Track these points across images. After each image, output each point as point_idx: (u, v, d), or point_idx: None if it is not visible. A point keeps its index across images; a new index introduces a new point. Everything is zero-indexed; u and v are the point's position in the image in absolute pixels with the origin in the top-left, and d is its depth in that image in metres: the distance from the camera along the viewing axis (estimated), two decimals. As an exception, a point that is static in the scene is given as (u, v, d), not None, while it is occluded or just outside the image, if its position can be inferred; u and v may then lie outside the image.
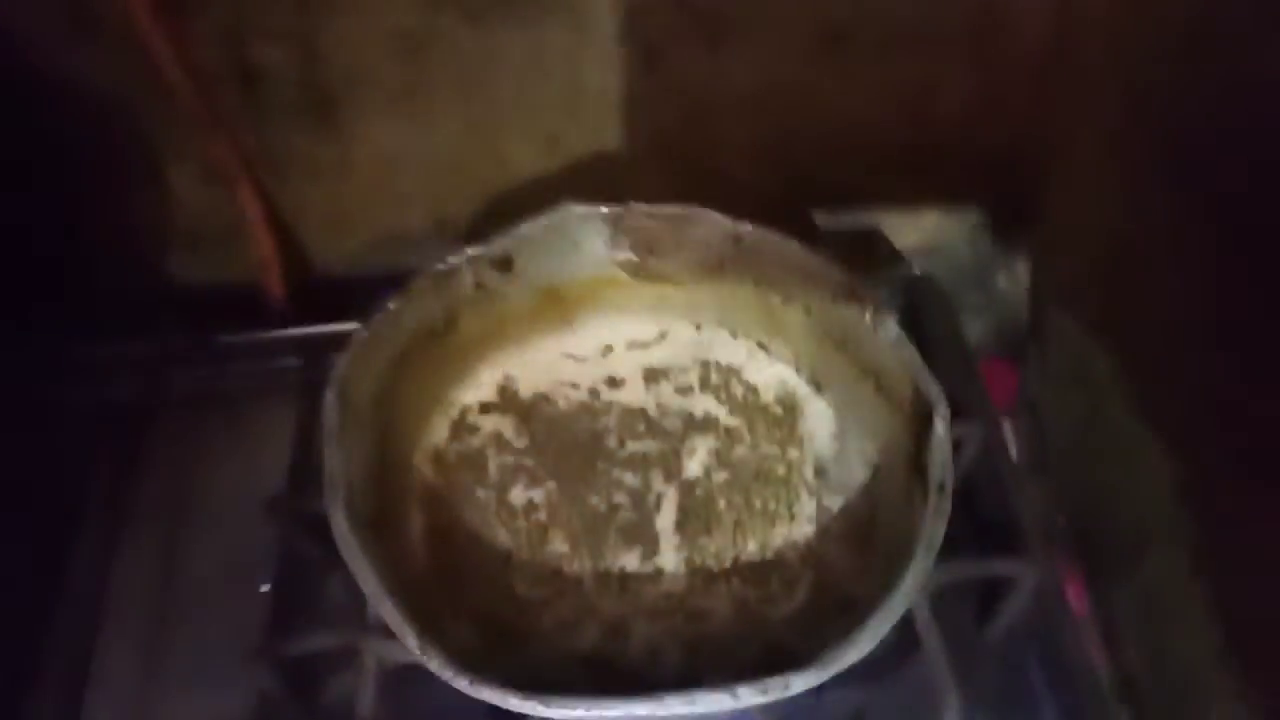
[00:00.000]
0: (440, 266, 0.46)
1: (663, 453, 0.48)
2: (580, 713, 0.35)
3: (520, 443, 0.49)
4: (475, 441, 0.49)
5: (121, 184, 0.54)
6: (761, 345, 0.51)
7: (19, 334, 0.50)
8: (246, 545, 0.47)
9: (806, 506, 0.46)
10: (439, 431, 0.49)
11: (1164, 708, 0.46)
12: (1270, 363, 0.36)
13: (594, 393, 0.50)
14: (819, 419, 0.49)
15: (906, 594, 0.36)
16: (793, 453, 0.48)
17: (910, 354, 0.42)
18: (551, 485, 0.48)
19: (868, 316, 0.44)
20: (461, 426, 0.49)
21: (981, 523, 0.47)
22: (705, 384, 0.50)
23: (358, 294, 0.46)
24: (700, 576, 0.45)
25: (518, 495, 0.47)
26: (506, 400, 0.50)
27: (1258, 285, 0.36)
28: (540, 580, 0.45)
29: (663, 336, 0.52)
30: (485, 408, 0.50)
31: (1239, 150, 0.37)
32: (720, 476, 0.48)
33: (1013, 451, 0.53)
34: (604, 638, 0.43)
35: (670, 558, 0.45)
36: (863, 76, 0.53)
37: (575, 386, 0.51)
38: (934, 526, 0.38)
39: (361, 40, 0.50)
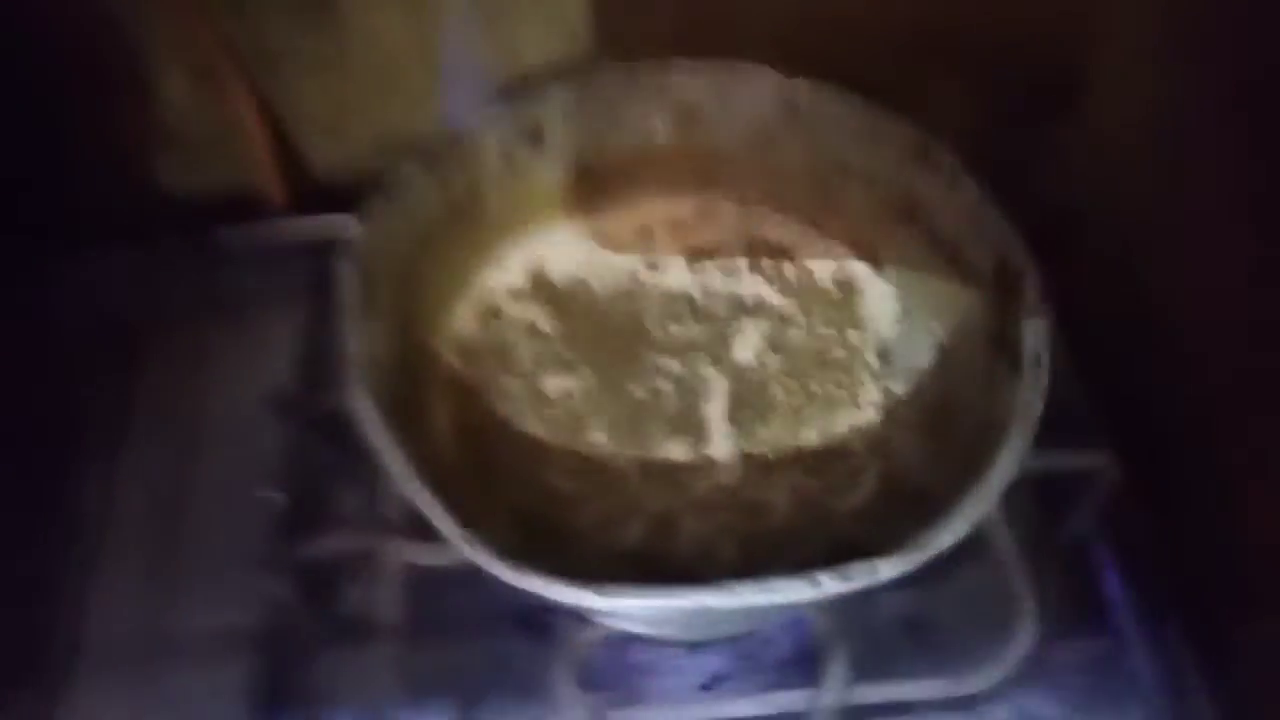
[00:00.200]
0: (463, 130, 0.42)
1: (710, 338, 0.44)
2: (637, 602, 0.32)
3: (553, 330, 0.45)
4: (504, 329, 0.45)
5: (103, 84, 0.50)
6: (814, 222, 0.47)
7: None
8: (255, 454, 0.45)
9: (870, 392, 0.43)
10: (465, 319, 0.45)
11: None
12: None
13: (632, 276, 0.46)
14: (881, 300, 0.45)
15: (1004, 475, 0.33)
16: (853, 336, 0.44)
17: (995, 217, 0.38)
18: (588, 373, 0.44)
19: (941, 179, 0.40)
20: (489, 314, 0.45)
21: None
22: (754, 266, 0.46)
23: (362, 199, 0.42)
24: (755, 467, 0.41)
25: (551, 384, 0.43)
26: (537, 286, 0.46)
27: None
28: (578, 473, 0.41)
29: (706, 215, 0.47)
30: (515, 294, 0.46)
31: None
32: (774, 361, 0.44)
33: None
34: (650, 534, 0.40)
35: (721, 447, 0.42)
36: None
37: (612, 270, 0.46)
38: (1031, 404, 0.34)
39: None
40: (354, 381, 0.35)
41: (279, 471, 0.44)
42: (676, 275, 0.46)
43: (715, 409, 0.43)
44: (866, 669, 0.38)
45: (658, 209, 0.47)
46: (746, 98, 0.43)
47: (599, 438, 0.42)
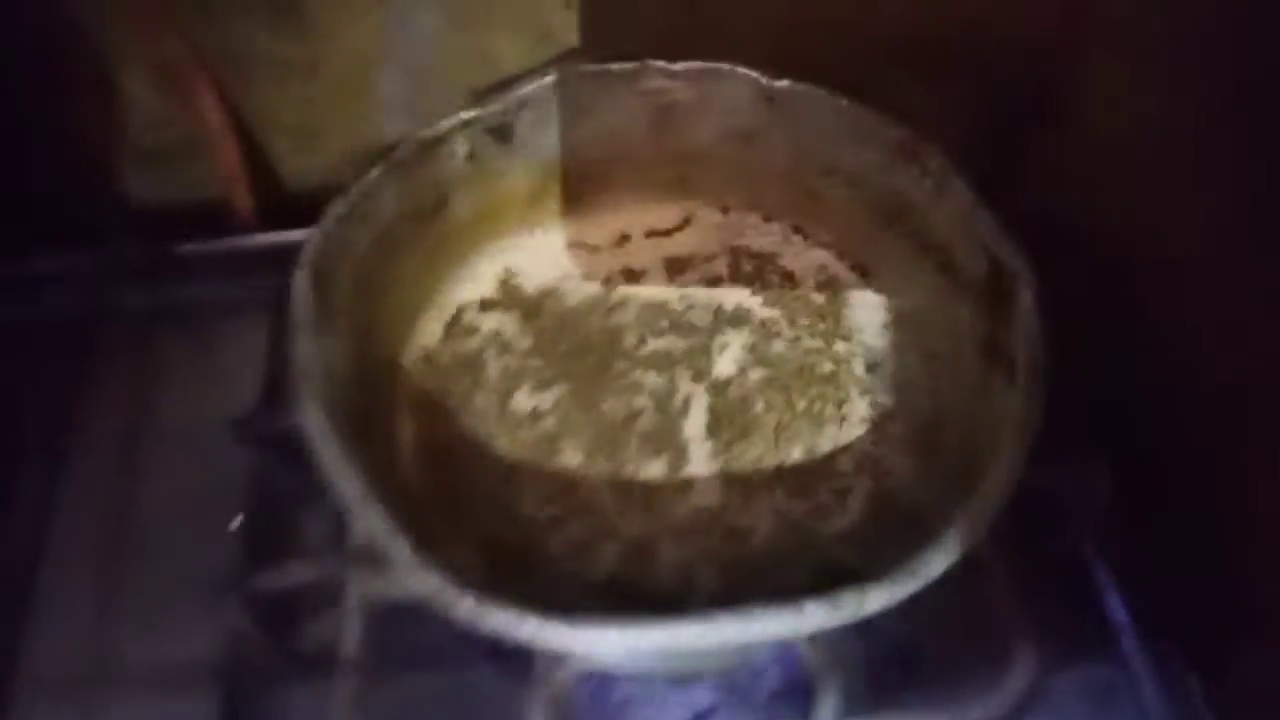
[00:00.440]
0: (427, 132, 0.40)
1: (690, 350, 0.42)
2: (606, 635, 0.29)
3: (524, 343, 0.43)
4: (473, 342, 0.42)
5: (66, 88, 0.48)
6: (798, 228, 0.45)
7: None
8: (215, 476, 0.42)
9: (858, 406, 0.40)
10: (431, 330, 0.43)
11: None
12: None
13: (609, 286, 0.44)
14: (868, 308, 0.43)
15: (999, 496, 0.30)
16: (839, 346, 0.42)
17: (985, 219, 0.36)
18: (561, 389, 0.41)
19: (930, 181, 0.38)
20: (457, 325, 0.43)
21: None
22: (736, 273, 0.44)
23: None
24: (737, 488, 0.39)
25: (522, 401, 0.41)
26: (508, 295, 0.44)
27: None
28: (550, 497, 0.39)
29: (686, 222, 0.45)
30: (484, 304, 0.43)
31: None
32: (757, 375, 0.41)
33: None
34: (625, 561, 0.37)
35: (701, 467, 0.39)
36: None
37: (587, 279, 0.44)
38: (1027, 413, 0.32)
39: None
40: (306, 397, 0.33)
41: (239, 495, 0.42)
42: (655, 284, 0.44)
43: (695, 426, 0.40)
44: (860, 701, 0.35)
45: (636, 215, 0.45)
46: (725, 99, 0.41)
47: (572, 458, 0.40)
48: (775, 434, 0.40)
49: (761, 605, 0.29)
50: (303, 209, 0.48)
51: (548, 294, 0.44)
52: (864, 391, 0.41)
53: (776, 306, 0.43)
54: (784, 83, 0.40)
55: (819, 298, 0.43)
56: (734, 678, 0.39)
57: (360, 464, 0.33)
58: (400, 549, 0.30)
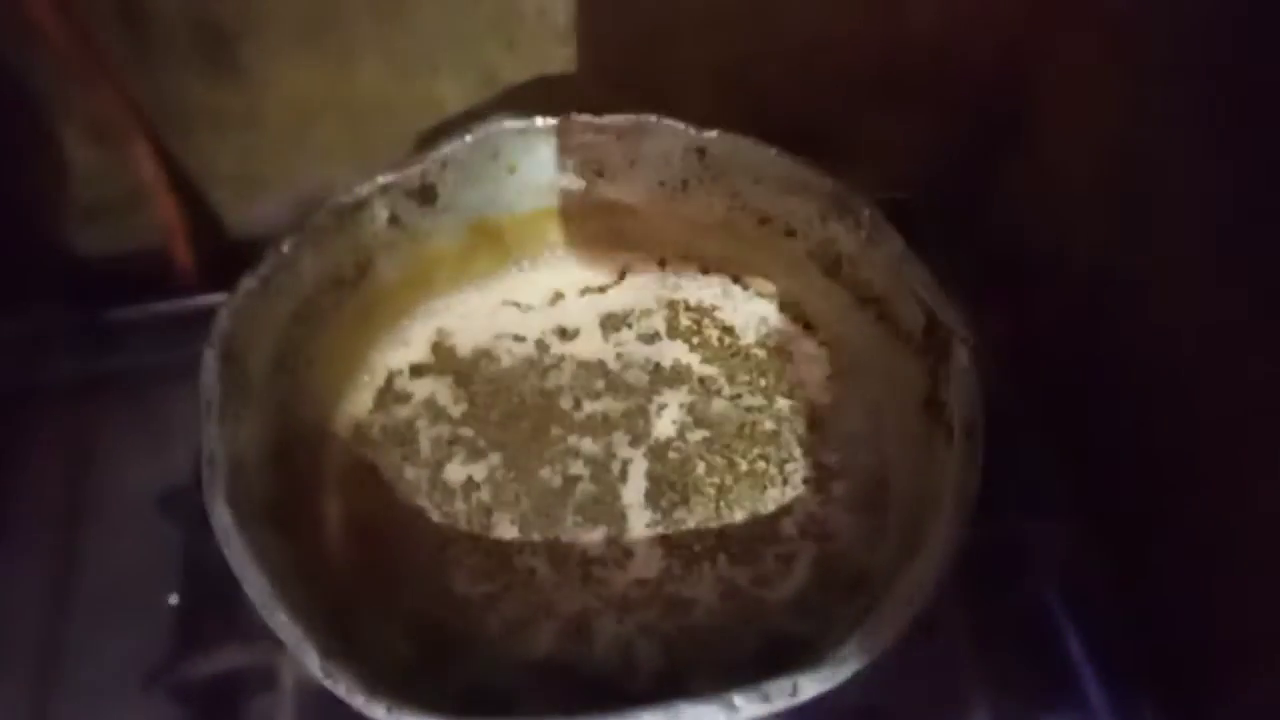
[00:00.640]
0: (344, 198, 0.38)
1: (627, 412, 0.41)
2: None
3: (457, 409, 0.41)
4: (404, 411, 0.41)
5: None
6: (737, 279, 0.43)
7: None
8: (152, 552, 0.41)
9: (802, 466, 0.39)
10: (360, 400, 0.41)
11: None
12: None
13: (542, 345, 0.43)
14: (810, 362, 0.41)
15: (937, 562, 0.29)
16: (781, 403, 0.40)
17: (919, 273, 0.35)
18: (495, 458, 0.40)
19: (864, 233, 0.37)
20: (387, 393, 0.41)
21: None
22: (673, 329, 0.43)
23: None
24: (678, 558, 0.37)
25: (455, 472, 0.39)
26: (441, 359, 0.42)
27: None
28: (484, 573, 0.37)
29: (621, 276, 0.44)
30: (416, 370, 0.42)
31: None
32: (697, 436, 0.40)
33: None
34: (563, 639, 0.36)
35: (641, 537, 0.38)
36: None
37: (520, 339, 0.43)
38: (964, 477, 0.30)
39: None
40: (208, 487, 0.31)
41: (175, 575, 0.40)
42: (590, 343, 0.43)
43: (634, 493, 0.39)
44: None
45: (569, 271, 0.44)
46: (655, 151, 0.40)
47: (507, 531, 0.38)
48: (717, 498, 0.38)
49: (688, 700, 0.27)
50: (245, 262, 0.47)
51: (481, 355, 0.42)
52: (807, 450, 0.39)
53: (716, 363, 0.42)
54: (713, 133, 0.39)
55: (760, 352, 0.42)
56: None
57: (275, 558, 0.31)
58: (309, 656, 0.28)
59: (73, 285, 0.49)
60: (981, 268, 0.52)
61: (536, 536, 0.38)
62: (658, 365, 0.42)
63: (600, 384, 0.41)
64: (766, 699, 0.27)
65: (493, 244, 0.43)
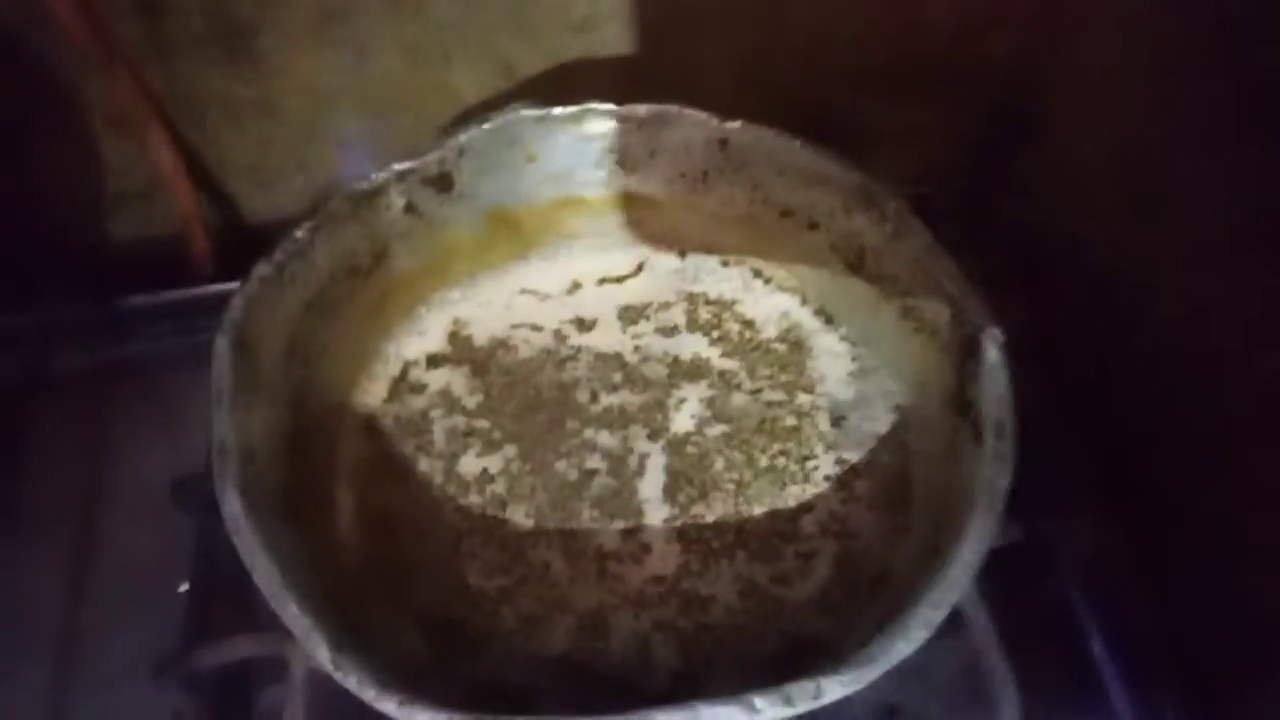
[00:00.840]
0: (360, 186, 0.38)
1: (645, 405, 0.40)
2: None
3: (472, 401, 0.40)
4: (418, 401, 0.40)
5: (14, 134, 0.46)
6: (758, 273, 0.42)
7: None
8: (164, 540, 0.40)
9: (823, 463, 0.38)
10: (374, 391, 0.40)
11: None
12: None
13: (560, 336, 0.42)
14: (832, 357, 0.40)
15: (967, 564, 0.28)
16: (802, 398, 0.40)
17: (947, 266, 0.34)
18: (511, 450, 0.39)
19: (889, 226, 0.36)
20: (402, 384, 0.41)
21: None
22: (693, 322, 0.42)
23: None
24: (696, 554, 0.37)
25: (470, 464, 0.39)
26: (457, 349, 0.42)
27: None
28: (498, 567, 0.37)
29: (639, 268, 0.43)
30: (431, 360, 0.41)
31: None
32: (716, 431, 0.39)
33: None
34: (579, 635, 0.35)
35: (658, 532, 0.37)
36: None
37: (537, 329, 0.42)
38: (995, 477, 0.30)
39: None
40: (219, 477, 0.31)
41: (188, 563, 0.39)
42: (609, 335, 0.42)
43: (652, 487, 0.38)
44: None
45: (587, 261, 0.43)
46: (676, 142, 0.39)
47: (522, 524, 0.37)
48: (736, 494, 0.38)
49: (708, 701, 0.26)
50: (261, 251, 0.47)
51: (498, 345, 0.42)
52: (829, 446, 0.38)
53: (736, 357, 0.41)
54: (736, 124, 0.38)
55: (780, 346, 0.41)
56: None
57: (286, 549, 0.31)
58: (318, 649, 0.28)
59: (88, 274, 0.49)
60: (997, 262, 0.51)
61: (552, 530, 0.37)
62: (676, 358, 0.41)
63: (618, 376, 0.41)
64: (789, 701, 0.26)
65: (510, 233, 0.42)
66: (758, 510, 0.37)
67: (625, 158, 0.41)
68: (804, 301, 0.42)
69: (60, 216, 0.49)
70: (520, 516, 0.38)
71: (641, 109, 0.39)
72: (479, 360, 0.41)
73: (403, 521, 0.38)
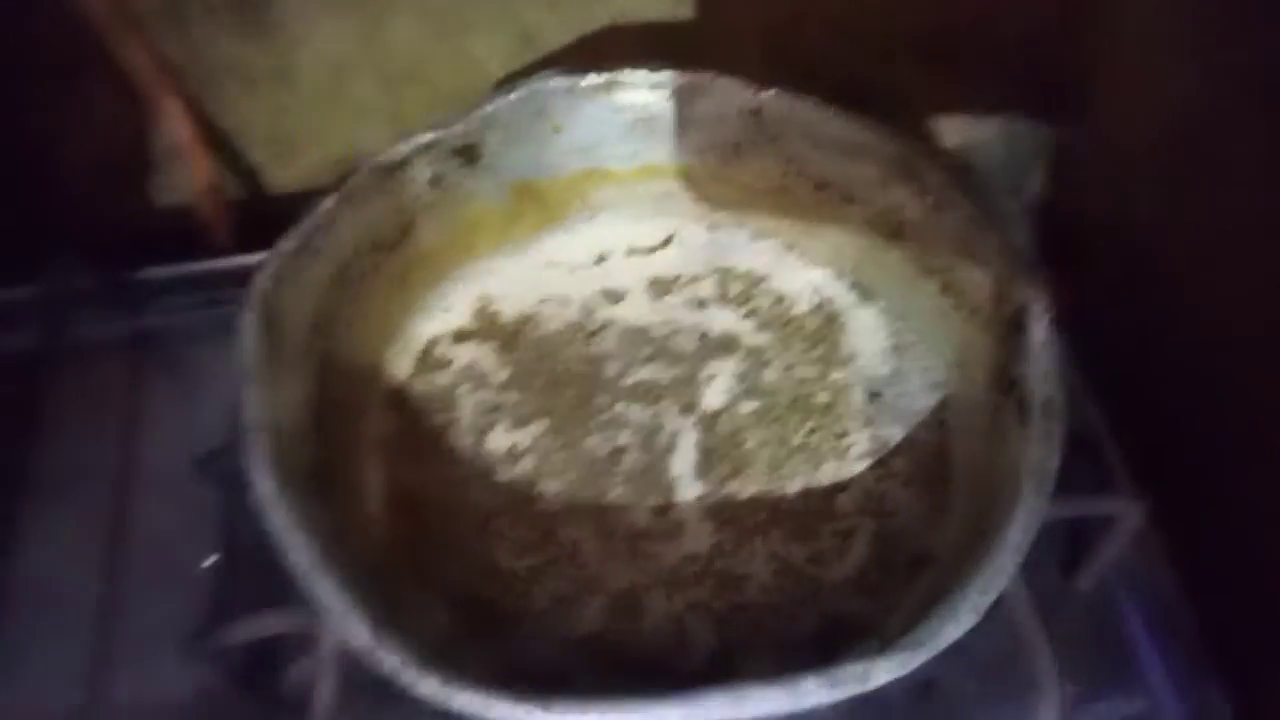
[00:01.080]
0: (385, 157, 0.37)
1: (675, 380, 0.39)
2: (594, 717, 0.27)
3: (500, 376, 0.40)
4: (444, 377, 0.40)
5: (26, 102, 0.45)
6: (791, 246, 0.42)
7: None
8: (188, 514, 0.40)
9: (859, 440, 0.37)
10: (399, 366, 0.40)
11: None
12: None
13: (587, 309, 0.41)
14: (867, 332, 0.40)
15: (1016, 547, 0.28)
16: (836, 375, 0.39)
17: (991, 240, 0.33)
18: (539, 426, 0.39)
19: (930, 199, 0.35)
20: (428, 359, 0.40)
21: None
22: (724, 295, 0.41)
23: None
24: (730, 532, 0.36)
25: (498, 440, 0.38)
26: (484, 324, 0.41)
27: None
28: (529, 546, 0.36)
29: (669, 240, 0.42)
30: (458, 335, 0.41)
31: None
32: (748, 407, 0.39)
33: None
34: (612, 615, 0.35)
35: (691, 510, 0.36)
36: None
37: (564, 302, 0.41)
38: (1043, 458, 0.29)
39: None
40: (250, 454, 0.30)
41: (212, 537, 0.39)
42: (637, 308, 0.41)
43: (683, 464, 0.37)
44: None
45: (615, 233, 0.42)
46: (708, 111, 0.39)
47: (552, 502, 0.37)
48: (770, 472, 0.37)
49: (754, 683, 0.26)
50: (278, 223, 0.47)
51: (525, 320, 0.41)
52: (865, 423, 0.38)
53: (768, 331, 0.40)
54: (771, 93, 0.37)
55: (813, 321, 0.40)
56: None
57: (315, 526, 0.30)
58: (357, 629, 0.27)
59: (104, 246, 0.48)
60: (1034, 238, 0.50)
61: (582, 508, 0.37)
62: (707, 333, 0.40)
63: (647, 351, 0.40)
64: (837, 684, 0.26)
65: (536, 205, 0.41)
66: (792, 488, 0.37)
67: (655, 128, 0.40)
68: (838, 276, 0.41)
69: (76, 187, 0.49)
70: (550, 494, 0.37)
71: (674, 77, 0.38)
72: (507, 336, 0.41)
73: (430, 499, 0.37)
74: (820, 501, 0.36)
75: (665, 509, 0.37)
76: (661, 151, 0.41)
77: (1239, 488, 0.38)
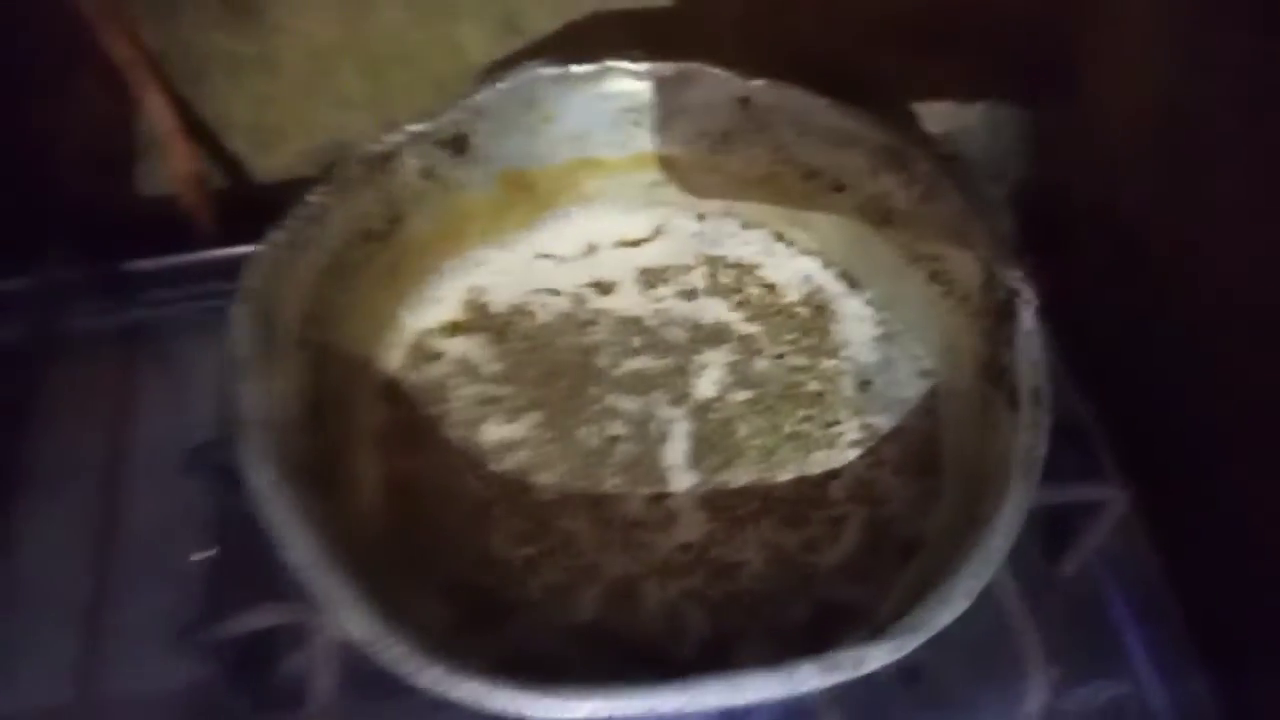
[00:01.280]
0: (373, 148, 0.37)
1: (667, 370, 0.40)
2: (591, 705, 0.27)
3: (492, 368, 0.40)
4: (436, 369, 0.40)
5: (12, 93, 0.45)
6: (780, 236, 0.42)
7: None
8: (177, 507, 0.39)
9: (849, 429, 0.38)
10: (391, 359, 0.40)
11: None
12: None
13: (578, 300, 0.41)
14: (857, 321, 0.40)
15: (1007, 533, 0.28)
16: (827, 364, 0.39)
17: (979, 228, 0.34)
18: (532, 418, 0.39)
19: (919, 188, 0.35)
20: (419, 351, 0.40)
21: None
22: (714, 285, 0.42)
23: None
24: (723, 521, 0.36)
25: (491, 432, 0.38)
26: (474, 316, 0.41)
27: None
28: (524, 536, 0.36)
29: (658, 230, 0.42)
30: (448, 328, 0.41)
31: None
32: (739, 396, 0.39)
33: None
34: (607, 604, 0.35)
35: (684, 499, 0.37)
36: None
37: (554, 293, 0.41)
38: (1031, 444, 0.29)
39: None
40: (244, 450, 0.30)
41: (201, 530, 0.38)
42: (628, 298, 0.41)
43: (676, 454, 0.38)
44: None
45: (605, 224, 0.43)
46: (696, 100, 0.39)
47: (547, 493, 0.37)
48: (761, 460, 0.37)
49: (751, 669, 0.26)
50: (264, 213, 0.46)
51: (516, 311, 0.41)
52: (855, 412, 0.38)
53: (758, 321, 0.40)
54: (760, 82, 0.38)
55: (804, 311, 0.40)
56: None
57: (312, 520, 0.30)
58: (358, 621, 0.27)
59: (90, 237, 0.48)
60: (1022, 223, 0.50)
61: (577, 498, 0.37)
62: (697, 323, 0.41)
63: (638, 341, 0.40)
64: (832, 670, 0.26)
65: (525, 196, 0.41)
66: (784, 476, 0.37)
67: (644, 118, 0.40)
68: (827, 265, 0.41)
69: (56, 178, 0.48)
70: (544, 484, 0.37)
71: (663, 67, 0.38)
72: (498, 327, 0.41)
73: (425, 491, 0.37)
74: (812, 489, 0.37)
75: (659, 498, 0.37)
76: (650, 141, 0.41)
77: (1224, 474, 0.38)
